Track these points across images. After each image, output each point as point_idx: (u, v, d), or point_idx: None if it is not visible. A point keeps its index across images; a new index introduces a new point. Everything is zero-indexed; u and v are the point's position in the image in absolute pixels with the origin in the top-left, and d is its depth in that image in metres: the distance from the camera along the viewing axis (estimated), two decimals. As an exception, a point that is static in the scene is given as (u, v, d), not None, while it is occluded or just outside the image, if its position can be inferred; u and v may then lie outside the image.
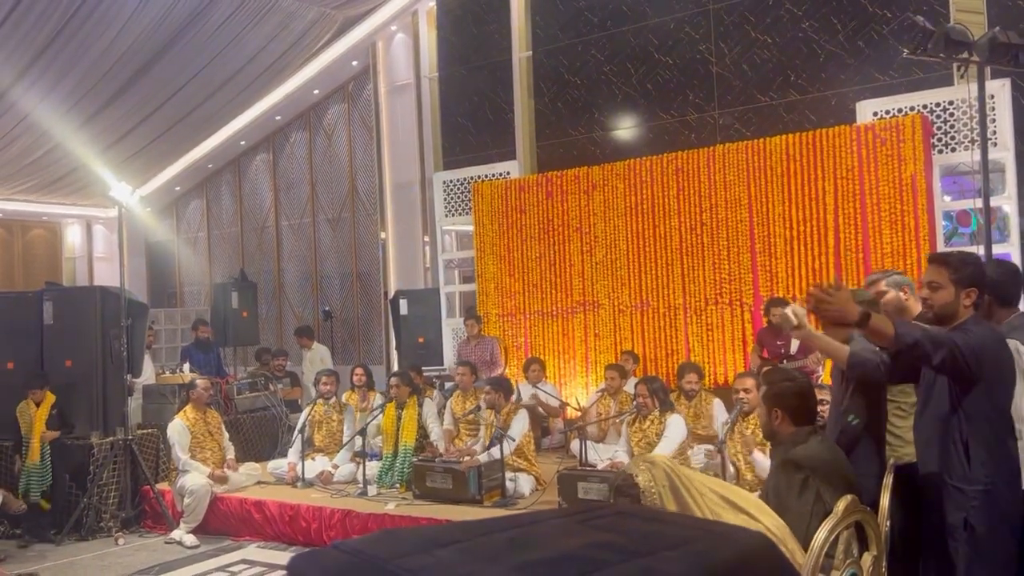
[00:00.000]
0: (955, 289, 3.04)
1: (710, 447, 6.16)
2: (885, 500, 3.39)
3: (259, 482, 7.11)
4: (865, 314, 2.87)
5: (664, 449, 5.84)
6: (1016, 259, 7.21)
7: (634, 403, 6.49)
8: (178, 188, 14.88)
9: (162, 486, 7.13)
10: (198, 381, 7.21)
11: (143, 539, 6.83)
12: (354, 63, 12.43)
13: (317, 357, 9.81)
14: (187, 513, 6.65)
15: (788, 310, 3.29)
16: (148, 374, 8.46)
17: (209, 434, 7.02)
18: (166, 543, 6.61)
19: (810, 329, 3.26)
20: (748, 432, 5.51)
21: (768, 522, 2.89)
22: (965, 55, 4.59)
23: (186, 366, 8.69)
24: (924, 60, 6.52)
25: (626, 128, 9.77)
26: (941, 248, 7.19)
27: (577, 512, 1.51)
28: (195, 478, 6.69)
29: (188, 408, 7.05)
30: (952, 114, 7.36)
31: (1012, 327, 3.40)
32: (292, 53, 11.71)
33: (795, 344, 6.76)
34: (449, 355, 9.89)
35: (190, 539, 6.53)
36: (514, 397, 7.04)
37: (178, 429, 6.88)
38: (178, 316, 13.99)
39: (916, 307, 3.56)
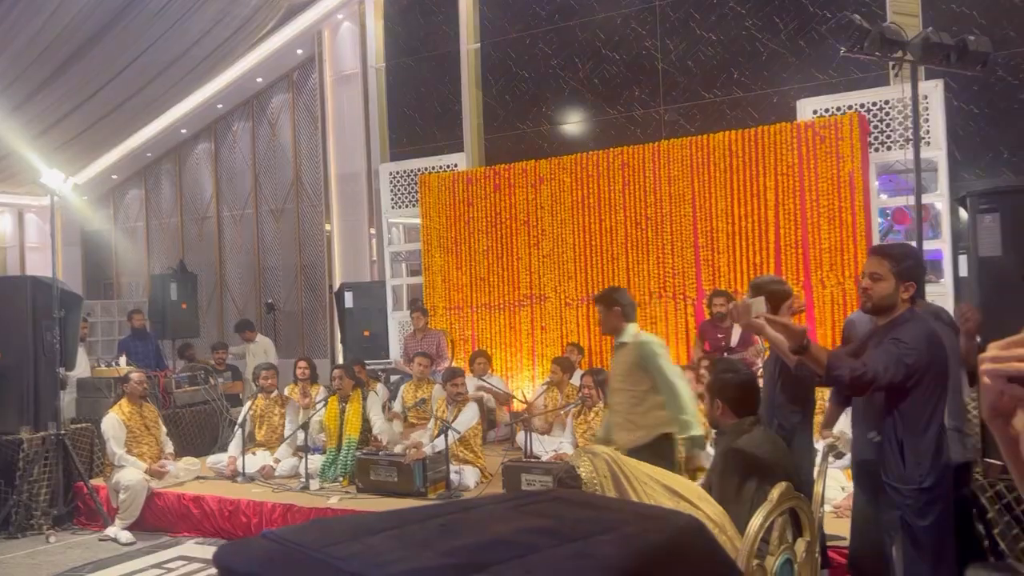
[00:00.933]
0: (895, 281, 3.11)
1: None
2: (819, 487, 3.48)
3: (198, 477, 6.95)
4: (802, 346, 2.94)
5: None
6: (947, 256, 7.45)
7: (579, 395, 6.54)
8: (115, 177, 14.45)
9: (97, 482, 6.94)
10: (133, 374, 7.02)
11: (76, 536, 6.63)
12: (299, 51, 12.22)
13: (260, 350, 9.65)
14: (122, 509, 6.48)
15: (750, 301, 3.30)
16: (82, 367, 8.21)
17: (146, 428, 6.85)
18: (100, 540, 6.42)
19: (763, 324, 3.27)
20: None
21: (708, 510, 2.93)
22: (899, 54, 4.72)
23: (122, 359, 8.46)
24: (862, 60, 6.67)
25: (573, 122, 9.81)
26: (877, 244, 7.38)
27: (511, 498, 1.50)
28: (131, 473, 6.52)
29: (123, 402, 6.86)
30: (888, 113, 7.56)
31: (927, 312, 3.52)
32: (235, 39, 11.46)
33: (735, 336, 6.87)
34: (395, 348, 9.82)
35: (125, 536, 6.36)
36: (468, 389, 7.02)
37: (113, 423, 6.69)
38: (115, 308, 13.61)
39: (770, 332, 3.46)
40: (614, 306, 4.54)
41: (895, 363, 2.93)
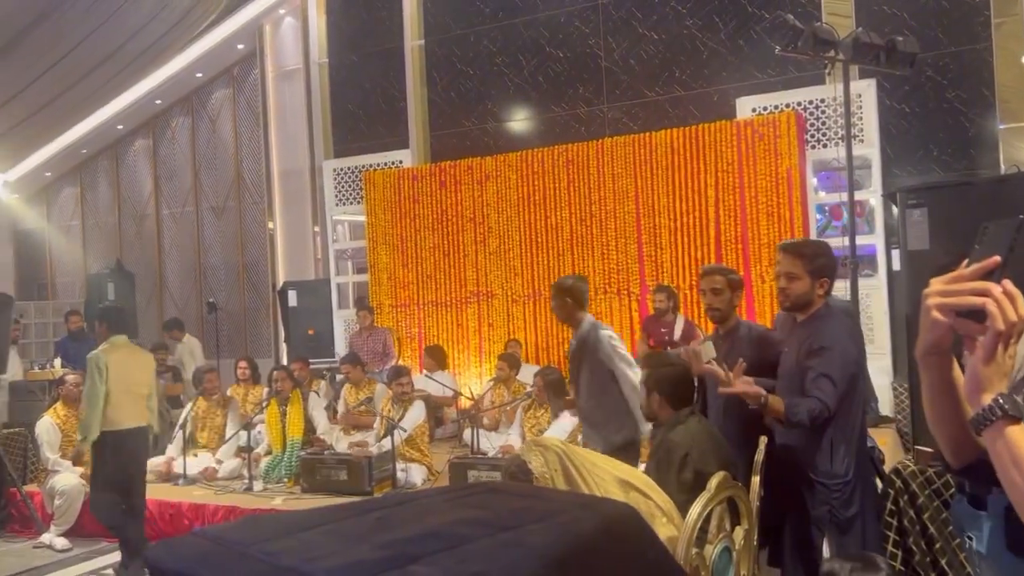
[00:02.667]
0: (810, 280, 3.20)
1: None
2: (756, 478, 3.55)
3: (137, 480, 6.79)
4: (761, 404, 3.03)
5: (554, 435, 5.94)
6: (880, 250, 7.68)
7: (527, 391, 6.58)
8: (49, 174, 14.01)
9: (31, 488, 6.74)
10: (68, 376, 6.84)
11: (9, 543, 6.43)
12: (240, 46, 12.00)
13: (187, 351, 9.45)
14: (58, 515, 6.30)
15: (699, 347, 3.40)
16: (15, 370, 7.98)
17: (82, 432, 6.67)
18: (35, 547, 6.24)
19: (715, 371, 3.31)
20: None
21: (659, 499, 2.97)
22: (832, 54, 4.85)
23: (57, 361, 8.24)
24: (798, 59, 6.84)
25: (518, 120, 9.84)
26: (788, 241, 7.57)
27: (448, 491, 1.51)
28: (67, 478, 6.35)
29: (58, 405, 6.68)
30: (824, 111, 7.76)
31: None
32: (174, 33, 11.19)
33: (678, 330, 6.99)
34: (341, 347, 9.73)
35: (61, 542, 6.19)
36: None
37: (47, 427, 6.51)
38: (50, 309, 13.19)
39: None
40: (565, 296, 4.58)
41: (839, 381, 3.02)
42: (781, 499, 3.28)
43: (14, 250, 14.60)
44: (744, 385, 3.06)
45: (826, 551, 3.29)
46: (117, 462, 5.42)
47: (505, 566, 1.14)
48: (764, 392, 3.05)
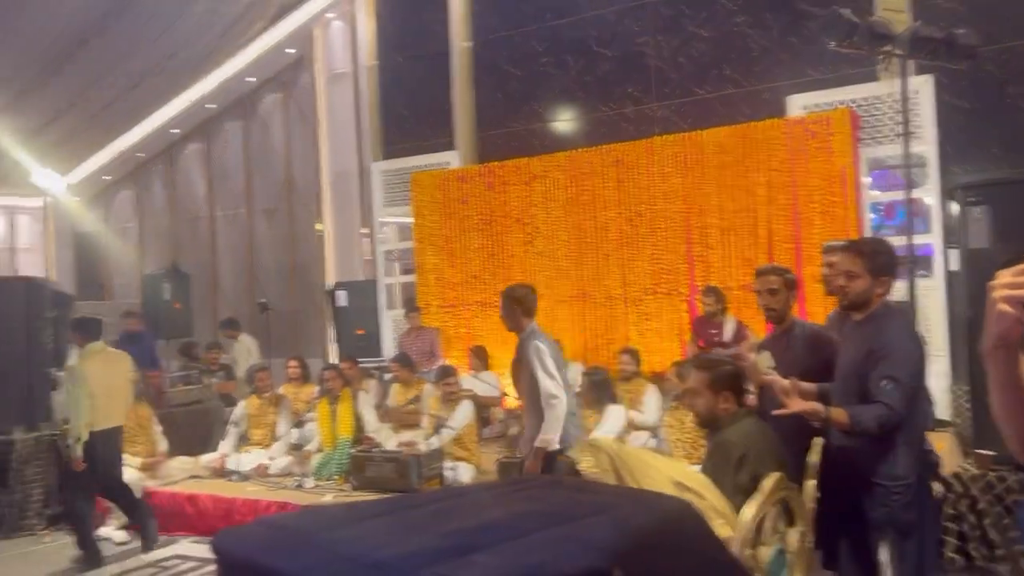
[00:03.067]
0: (870, 278, 3.12)
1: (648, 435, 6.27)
2: (811, 481, 3.48)
3: (192, 476, 6.96)
4: (823, 419, 2.99)
5: (602, 435, 5.92)
6: (937, 250, 7.48)
7: (574, 391, 6.56)
8: (108, 177, 14.40)
9: (90, 482, 6.92)
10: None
11: (71, 536, 6.61)
12: (290, 51, 12.19)
13: (244, 349, 9.64)
14: (117, 508, 6.47)
15: (756, 358, 3.37)
16: (75, 368, 8.18)
17: (139, 427, 6.85)
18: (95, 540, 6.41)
19: (774, 380, 3.27)
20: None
21: (714, 500, 2.94)
22: (888, 48, 4.75)
23: (115, 359, 8.41)
24: (852, 56, 6.70)
25: (565, 120, 9.82)
26: (849, 239, 7.41)
27: (504, 484, 1.51)
28: (125, 473, 6.50)
29: (117, 402, 6.85)
30: (879, 108, 7.59)
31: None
32: (226, 39, 11.44)
33: (728, 332, 6.91)
34: (389, 347, 9.82)
35: (120, 535, 6.36)
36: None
37: (107, 423, 6.68)
38: (107, 309, 13.56)
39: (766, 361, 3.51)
40: (515, 305, 4.74)
41: (906, 383, 2.95)
42: (837, 501, 3.21)
43: (74, 252, 15.05)
44: (801, 404, 3.00)
45: (884, 555, 3.21)
46: (97, 459, 5.83)
47: (564, 557, 1.14)
48: (822, 408, 2.99)
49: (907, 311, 3.90)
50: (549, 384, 4.48)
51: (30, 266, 14.28)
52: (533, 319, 4.78)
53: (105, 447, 5.90)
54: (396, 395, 7.39)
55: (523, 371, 4.70)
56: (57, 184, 7.61)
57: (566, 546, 1.22)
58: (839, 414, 2.99)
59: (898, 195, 7.62)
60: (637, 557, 1.26)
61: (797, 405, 3.01)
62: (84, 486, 5.92)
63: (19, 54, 10.08)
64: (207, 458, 7.20)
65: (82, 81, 11.07)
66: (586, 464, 2.91)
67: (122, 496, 6.15)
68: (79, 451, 5.71)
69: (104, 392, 5.89)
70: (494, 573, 1.09)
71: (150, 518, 6.05)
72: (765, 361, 3.29)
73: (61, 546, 6.36)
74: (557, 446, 4.49)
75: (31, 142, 11.76)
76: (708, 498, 2.90)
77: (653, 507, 1.43)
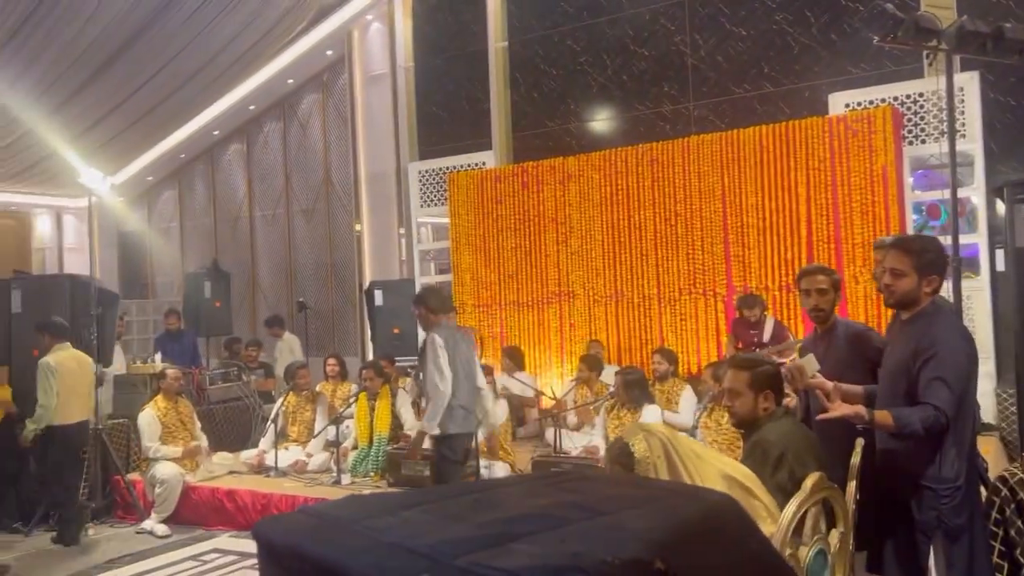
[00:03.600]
0: (918, 276, 3.05)
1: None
2: (852, 483, 3.42)
3: (231, 472, 7.05)
4: (867, 421, 2.93)
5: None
6: (983, 250, 7.33)
7: (609, 391, 6.53)
8: (150, 178, 14.70)
9: (134, 476, 7.06)
10: (168, 371, 7.15)
11: (114, 529, 6.76)
12: (329, 52, 12.33)
13: (287, 347, 9.76)
14: (158, 503, 6.59)
15: (801, 361, 3.33)
16: (119, 364, 8.35)
17: (180, 423, 6.96)
18: (137, 533, 6.54)
19: (821, 383, 3.23)
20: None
21: (763, 497, 2.89)
22: (934, 43, 4.66)
23: (158, 356, 8.60)
24: (895, 53, 6.60)
25: (602, 119, 9.80)
26: (896, 236, 7.27)
27: (542, 477, 1.51)
28: (166, 467, 6.64)
29: (159, 398, 6.99)
30: (922, 106, 7.46)
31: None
32: (266, 41, 11.59)
33: (768, 332, 6.83)
34: (424, 346, 9.85)
35: (161, 529, 6.47)
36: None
37: (148, 419, 6.82)
38: (150, 307, 13.83)
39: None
40: (420, 306, 5.31)
41: (955, 384, 2.88)
42: (883, 504, 3.15)
43: (118, 251, 15.37)
44: (844, 409, 2.95)
45: (932, 560, 3.14)
46: (63, 450, 6.38)
47: (605, 547, 1.13)
48: (865, 412, 2.93)
49: (954, 311, 3.80)
50: (435, 376, 5.04)
51: (76, 265, 14.63)
52: (442, 316, 5.34)
53: (67, 440, 6.37)
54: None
55: (423, 362, 5.23)
56: (102, 184, 7.76)
57: (607, 536, 1.21)
58: (884, 417, 2.92)
59: (941, 194, 7.48)
60: (679, 549, 1.25)
61: (841, 409, 2.95)
62: (50, 476, 6.31)
63: (67, 58, 10.32)
64: (246, 454, 7.30)
65: (127, 84, 11.30)
66: (640, 448, 2.86)
67: (62, 490, 6.39)
68: (29, 437, 6.28)
69: (68, 390, 6.32)
70: (533, 562, 1.08)
71: (73, 523, 6.31)
72: (811, 365, 3.22)
73: (106, 538, 6.50)
74: (436, 431, 5.10)
75: (78, 143, 12.03)
76: (759, 495, 2.85)
77: (695, 501, 1.42)
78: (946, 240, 6.12)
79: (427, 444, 5.57)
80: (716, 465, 2.86)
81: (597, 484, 1.55)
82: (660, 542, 1.21)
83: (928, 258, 3.04)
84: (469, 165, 9.96)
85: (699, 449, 2.97)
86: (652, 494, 1.43)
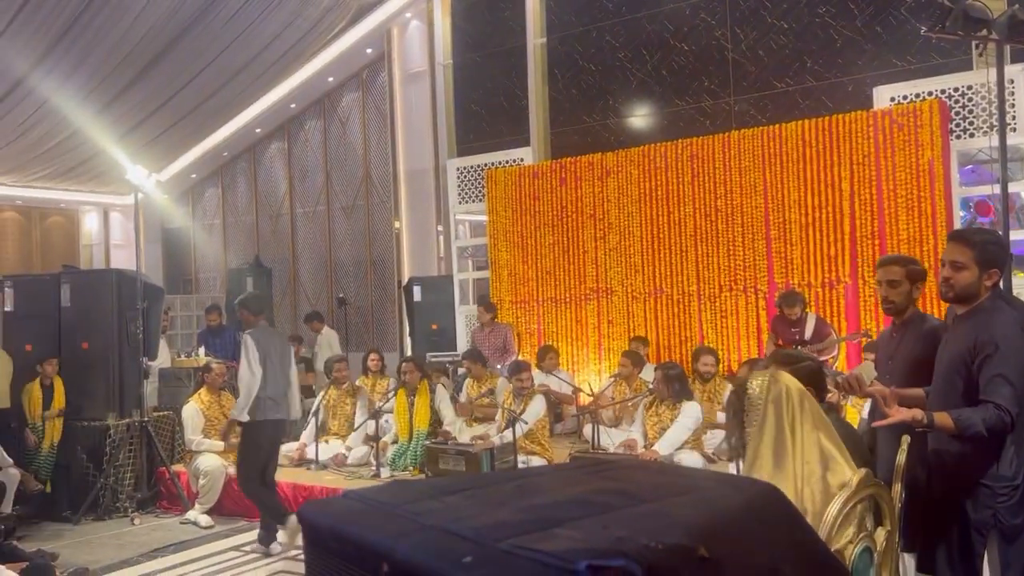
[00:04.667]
0: (978, 270, 2.96)
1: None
2: (897, 486, 3.35)
3: (273, 464, 7.14)
4: (926, 425, 2.86)
5: (676, 434, 5.84)
6: (1035, 246, 7.13)
7: (649, 386, 6.49)
8: (194, 175, 14.97)
9: (177, 467, 7.19)
10: (213, 364, 7.27)
11: (159, 519, 6.89)
12: (368, 50, 12.44)
13: (326, 342, 9.87)
14: (202, 494, 6.71)
15: (858, 371, 3.28)
16: (164, 358, 8.52)
17: (223, 417, 7.06)
18: (181, 523, 6.66)
19: (879, 391, 3.18)
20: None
21: (854, 477, 2.81)
22: (984, 33, 4.54)
23: (201, 350, 8.74)
24: (942, 45, 6.45)
25: (641, 115, 9.74)
26: (957, 229, 7.11)
27: (584, 466, 1.51)
28: (210, 459, 6.74)
29: (203, 391, 7.11)
30: (971, 99, 7.28)
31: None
32: (307, 40, 11.73)
33: (809, 329, 6.73)
34: (463, 342, 9.90)
35: (205, 519, 6.58)
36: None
37: (192, 412, 6.94)
38: (193, 303, 14.08)
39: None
40: (242, 308, 5.97)
41: (1017, 381, 2.79)
42: (936, 502, 3.08)
43: (163, 248, 15.68)
44: (902, 414, 2.88)
45: (987, 561, 3.06)
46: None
47: (648, 532, 1.13)
48: (923, 415, 2.85)
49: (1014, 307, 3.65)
50: (243, 370, 5.67)
51: (122, 261, 14.95)
52: (260, 317, 5.99)
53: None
54: (469, 390, 7.47)
55: (238, 358, 5.89)
56: (148, 182, 7.92)
57: (650, 523, 1.21)
58: (944, 419, 2.84)
59: (991, 189, 7.29)
60: (722, 537, 1.24)
61: (898, 414, 2.88)
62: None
63: (114, 58, 10.55)
64: (287, 447, 7.38)
65: (172, 83, 11.51)
66: (755, 385, 2.80)
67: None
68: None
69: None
70: (576, 545, 1.08)
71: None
72: (869, 372, 3.17)
73: (151, 527, 6.63)
74: (246, 418, 5.67)
75: (124, 141, 12.30)
76: (848, 471, 2.76)
77: (738, 491, 1.41)
78: (995, 236, 5.98)
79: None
80: (823, 444, 2.77)
81: (639, 473, 1.54)
82: (703, 529, 1.20)
83: (991, 251, 2.96)
84: (507, 162, 9.97)
85: (816, 421, 2.84)
86: (695, 484, 1.42)
